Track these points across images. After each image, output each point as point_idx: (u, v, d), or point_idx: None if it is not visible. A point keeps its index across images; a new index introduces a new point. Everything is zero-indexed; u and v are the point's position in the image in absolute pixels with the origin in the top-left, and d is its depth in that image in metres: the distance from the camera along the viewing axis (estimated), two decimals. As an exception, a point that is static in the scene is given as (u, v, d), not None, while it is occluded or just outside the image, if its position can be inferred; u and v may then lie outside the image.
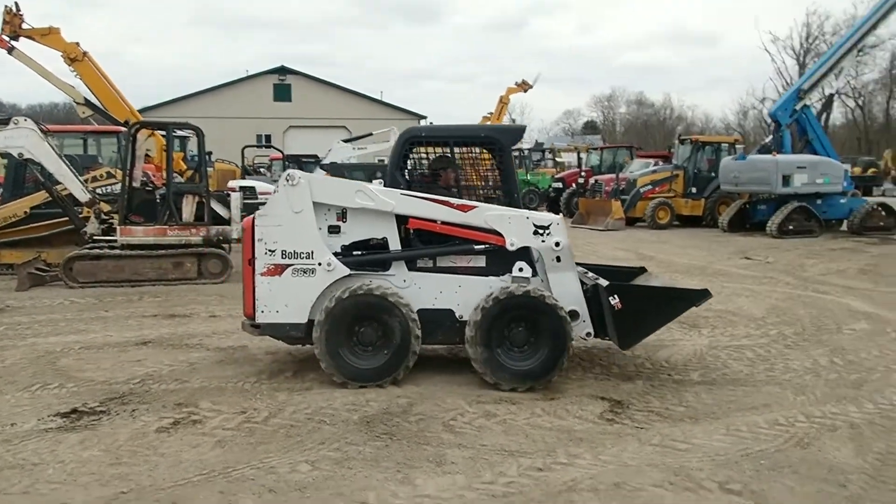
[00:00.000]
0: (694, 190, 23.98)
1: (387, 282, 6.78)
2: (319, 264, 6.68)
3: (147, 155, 16.87)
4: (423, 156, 7.47)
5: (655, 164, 27.17)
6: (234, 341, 8.41)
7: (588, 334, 6.99)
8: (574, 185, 27.54)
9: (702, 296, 7.07)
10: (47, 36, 17.32)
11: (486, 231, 6.81)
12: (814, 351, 8.21)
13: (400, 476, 4.75)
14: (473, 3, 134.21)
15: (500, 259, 6.89)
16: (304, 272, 6.69)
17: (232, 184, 20.50)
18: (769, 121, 22.85)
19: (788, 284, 12.90)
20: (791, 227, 20.59)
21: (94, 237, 12.75)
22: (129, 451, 5.15)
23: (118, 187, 12.97)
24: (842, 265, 15.36)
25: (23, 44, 17.17)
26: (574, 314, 6.85)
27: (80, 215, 13.07)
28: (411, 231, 6.97)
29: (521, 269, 6.84)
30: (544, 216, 6.93)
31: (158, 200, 12.79)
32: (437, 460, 5.01)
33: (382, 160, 26.46)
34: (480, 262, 6.95)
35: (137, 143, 12.94)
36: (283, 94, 52.55)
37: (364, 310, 6.61)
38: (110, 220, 12.84)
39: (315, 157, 23.29)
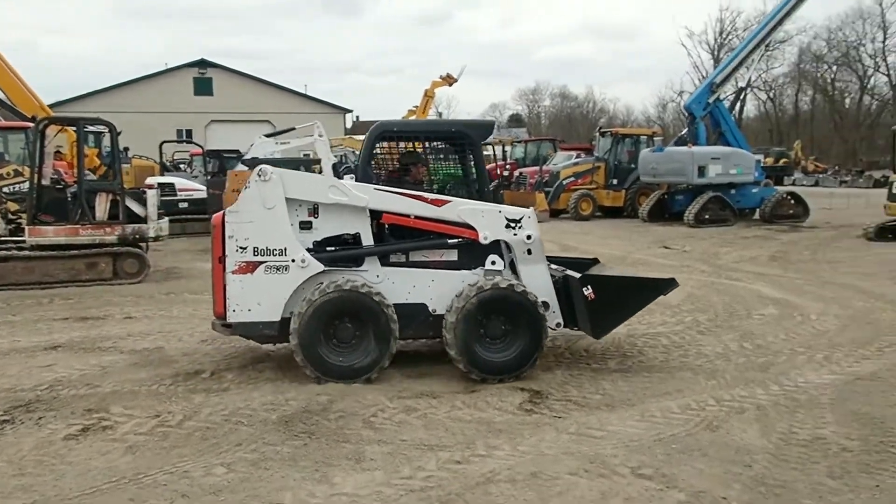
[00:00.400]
0: (615, 181, 24.54)
1: (362, 278, 6.77)
2: (293, 261, 6.60)
3: (58, 151, 16.31)
4: (393, 151, 7.54)
5: (578, 156, 27.64)
6: (150, 343, 8.19)
7: (558, 324, 7.20)
8: (498, 177, 27.74)
9: (668, 285, 7.35)
10: (-53, 27, 16.54)
11: (459, 225, 6.90)
12: (725, 336, 8.52)
13: (318, 475, 4.72)
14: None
15: (471, 253, 7.00)
16: (278, 269, 6.59)
17: (150, 180, 19.95)
18: (686, 113, 23.52)
19: (704, 272, 13.32)
20: (707, 217, 21.27)
21: (1, 238, 12.24)
22: (34, 461, 4.97)
23: (26, 185, 12.46)
24: (754, 253, 15.97)
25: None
26: (545, 305, 7.01)
27: (-14, 215, 12.54)
28: (385, 226, 6.96)
29: (493, 263, 6.99)
30: (516, 210, 7.08)
31: (70, 199, 12.32)
32: (356, 457, 5.00)
33: (307, 155, 26.21)
34: (452, 255, 7.06)
35: (46, 140, 12.46)
36: (204, 87, 51.32)
37: (347, 306, 6.58)
38: (18, 220, 12.37)
39: (237, 152, 22.82)
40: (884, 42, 62.18)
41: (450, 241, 6.96)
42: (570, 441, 5.33)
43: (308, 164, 19.25)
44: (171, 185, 20.72)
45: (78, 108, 43.69)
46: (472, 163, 7.28)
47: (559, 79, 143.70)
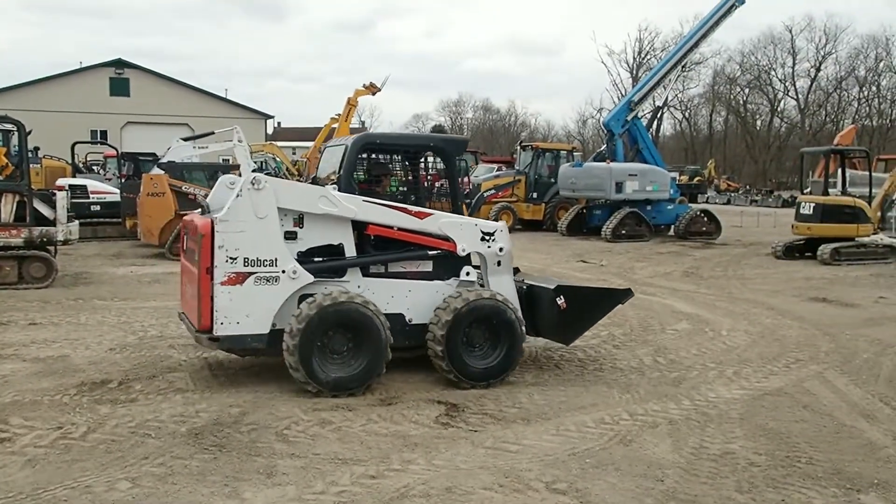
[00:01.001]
0: (535, 195, 24.92)
1: (354, 290, 6.77)
2: (283, 272, 6.45)
3: (-38, 149, 15.53)
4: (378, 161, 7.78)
5: (499, 169, 27.95)
6: (55, 351, 7.87)
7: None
8: (415, 189, 27.85)
9: (626, 294, 8.00)
10: None
11: (439, 237, 7.12)
12: (639, 350, 8.72)
13: (227, 490, 4.60)
14: (319, 2, 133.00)
15: (445, 264, 7.26)
16: (268, 280, 6.43)
17: (61, 182, 19.22)
18: (605, 130, 24.13)
19: (619, 286, 13.60)
20: (624, 232, 21.81)
21: None
22: (-77, 476, 4.69)
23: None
24: (668, 268, 16.43)
25: None
26: None
27: None
28: (370, 237, 7.00)
29: (468, 274, 7.30)
30: (490, 224, 7.49)
31: (-28, 199, 11.74)
32: (268, 472, 4.90)
33: (227, 160, 25.68)
34: (427, 266, 7.26)
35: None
36: (120, 88, 49.79)
37: (345, 318, 6.52)
38: (-85, 220, 11.68)
39: (153, 155, 22.22)
40: (793, 67, 65.50)
41: (430, 252, 7.15)
42: (485, 455, 5.35)
43: (227, 169, 18.85)
44: (84, 187, 20.07)
45: (-15, 104, 41.72)
46: (448, 176, 7.64)
47: (482, 91, 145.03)
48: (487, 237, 7.33)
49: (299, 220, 6.71)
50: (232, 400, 6.29)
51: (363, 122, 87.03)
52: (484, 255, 7.35)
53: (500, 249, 7.36)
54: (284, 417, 5.93)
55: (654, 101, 25.61)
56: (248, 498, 4.51)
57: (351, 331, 6.60)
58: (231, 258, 6.34)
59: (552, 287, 7.54)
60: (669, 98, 61.20)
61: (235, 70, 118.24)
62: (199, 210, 6.86)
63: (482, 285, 7.39)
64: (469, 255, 7.34)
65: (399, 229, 7.01)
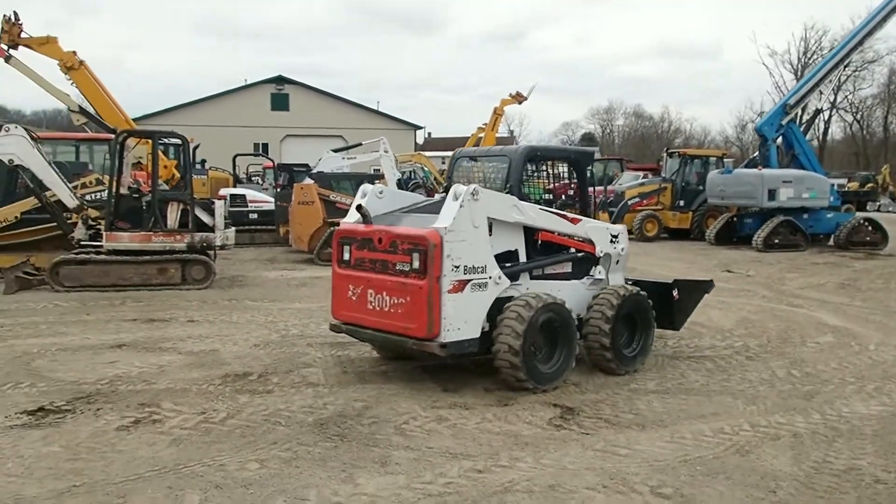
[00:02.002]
0: (682, 203, 24.20)
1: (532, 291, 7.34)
2: (490, 278, 6.91)
3: (139, 162, 17.18)
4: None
5: (644, 176, 27.40)
6: (207, 345, 8.61)
7: None
8: (563, 196, 27.76)
9: (709, 285, 9.00)
10: (45, 45, 17.58)
11: (583, 240, 7.94)
12: (774, 363, 8.40)
13: (344, 475, 4.95)
14: (470, 14, 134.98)
15: (581, 264, 8.04)
16: (480, 286, 6.81)
17: (223, 192, 20.78)
18: (758, 135, 23.08)
19: (764, 297, 13.09)
20: (777, 241, 20.76)
21: (81, 242, 12.97)
22: (88, 448, 5.36)
23: (106, 194, 13.18)
24: (822, 279, 15.55)
25: (21, 52, 17.47)
26: None
27: (69, 221, 13.31)
28: (537, 242, 7.62)
29: (599, 272, 8.09)
30: (615, 227, 8.43)
31: (144, 207, 13.00)
32: (382, 461, 5.21)
33: (377, 170, 26.73)
34: (568, 267, 8.00)
35: (126, 151, 13.18)
36: (280, 103, 52.91)
37: (554, 318, 7.12)
38: (97, 226, 13.06)
39: (306, 165, 23.54)
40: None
41: (578, 254, 7.97)
42: (593, 457, 5.41)
43: (372, 179, 19.66)
44: (243, 196, 21.52)
45: (163, 122, 45.61)
46: (581, 183, 8.54)
47: (633, 98, 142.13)
48: (614, 239, 8.20)
49: (490, 228, 7.01)
50: (357, 395, 6.69)
51: (511, 132, 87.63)
52: (610, 255, 8.13)
53: (622, 250, 8.28)
54: (404, 413, 6.25)
55: (820, 102, 24.04)
56: (362, 483, 4.83)
57: (553, 329, 7.12)
58: (455, 267, 6.57)
59: (669, 282, 8.81)
60: (837, 100, 57.60)
61: (387, 83, 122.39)
62: (360, 219, 7.14)
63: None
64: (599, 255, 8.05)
65: (559, 234, 7.72)
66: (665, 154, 26.53)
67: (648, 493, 4.81)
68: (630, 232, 23.53)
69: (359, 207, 7.19)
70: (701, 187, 23.78)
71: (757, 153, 22.87)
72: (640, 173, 29.05)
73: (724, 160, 25.62)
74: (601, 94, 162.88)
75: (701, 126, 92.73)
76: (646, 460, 5.38)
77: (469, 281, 6.66)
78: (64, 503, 4.49)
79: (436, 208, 7.02)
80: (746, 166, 23.15)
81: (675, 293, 8.60)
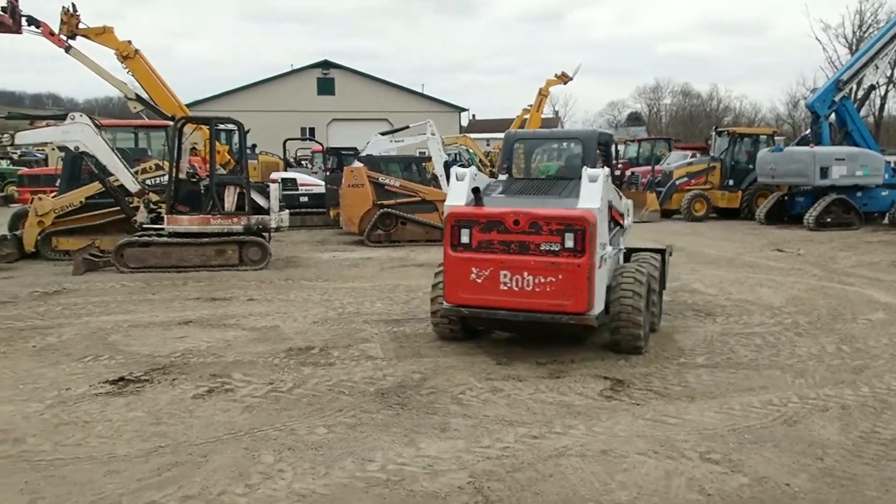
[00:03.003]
0: (731, 182, 23.98)
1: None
2: (608, 253, 7.75)
3: (194, 148, 17.70)
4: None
5: (693, 156, 27.18)
6: (268, 322, 9.01)
7: None
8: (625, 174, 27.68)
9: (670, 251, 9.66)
10: (102, 35, 18.23)
11: (620, 214, 8.69)
12: (823, 339, 8.47)
13: (406, 440, 5.25)
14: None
15: (617, 236, 8.60)
16: (605, 261, 7.59)
17: (274, 175, 21.25)
18: (809, 112, 22.71)
19: (815, 276, 13.04)
20: (829, 220, 20.52)
21: (144, 225, 13.50)
22: (169, 414, 5.77)
23: (166, 178, 13.69)
24: (875, 258, 15.38)
25: (78, 42, 18.11)
26: None
27: (131, 205, 13.85)
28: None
29: (622, 243, 8.97)
30: (628, 202, 9.37)
31: (202, 191, 13.47)
32: (442, 427, 5.51)
33: (423, 152, 27.04)
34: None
35: (183, 137, 13.65)
36: (326, 87, 53.43)
37: (651, 283, 8.08)
38: (158, 210, 13.58)
39: (354, 149, 23.90)
40: None
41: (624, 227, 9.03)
42: (644, 426, 5.63)
43: (420, 161, 19.94)
44: (293, 180, 21.98)
45: (212, 108, 46.52)
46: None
47: (681, 76, 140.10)
48: (627, 212, 9.14)
49: None
50: (415, 367, 6.99)
51: (556, 112, 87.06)
52: (624, 227, 8.96)
53: (629, 223, 9.33)
54: (460, 384, 6.53)
55: (876, 77, 23.48)
56: (423, 447, 5.13)
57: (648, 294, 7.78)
58: (602, 244, 7.19)
59: (664, 247, 9.65)
60: (891, 75, 55.84)
61: (431, 66, 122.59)
62: (472, 201, 7.34)
63: None
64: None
65: (616, 211, 8.34)
66: (714, 133, 26.28)
67: (698, 459, 5.02)
68: (678, 212, 23.72)
69: (475, 190, 7.31)
70: (751, 166, 23.53)
71: (809, 131, 22.54)
72: (688, 153, 28.79)
73: (775, 138, 25.27)
74: (647, 72, 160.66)
75: (751, 104, 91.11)
76: (695, 429, 5.57)
77: (602, 257, 7.24)
78: (153, 461, 4.88)
79: (535, 189, 7.74)
80: (798, 144, 22.85)
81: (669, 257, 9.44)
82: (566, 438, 5.33)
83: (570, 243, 6.84)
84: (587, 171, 7.19)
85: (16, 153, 42.60)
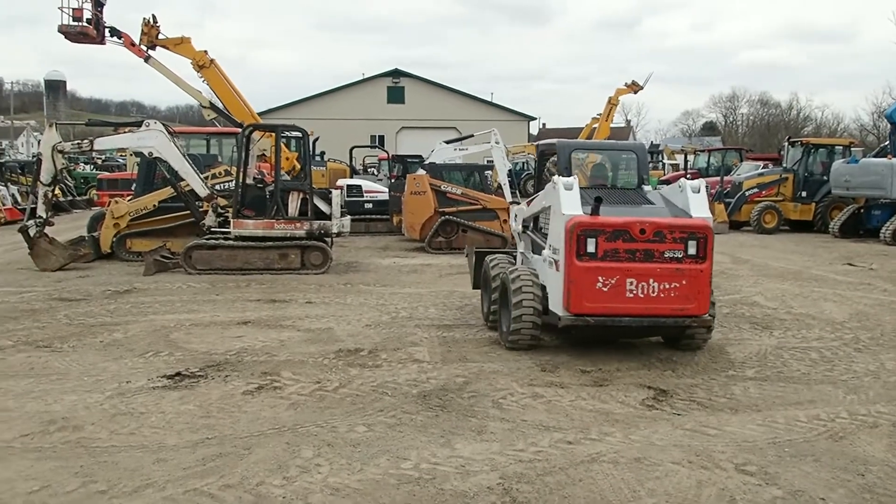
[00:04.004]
0: (804, 194, 23.32)
1: None
2: None
3: (263, 154, 18.26)
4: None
5: (764, 166, 26.55)
6: (323, 324, 9.27)
7: None
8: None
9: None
10: (179, 45, 18.95)
11: None
12: (884, 355, 8.23)
13: (442, 441, 5.38)
14: (582, 3, 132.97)
15: None
16: None
17: (340, 182, 21.71)
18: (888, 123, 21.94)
19: (885, 291, 12.62)
20: (907, 234, 19.76)
21: (212, 229, 14.00)
22: (218, 408, 6.04)
23: (234, 184, 14.16)
24: (953, 274, 14.79)
25: (157, 52, 18.88)
26: None
27: (201, 209, 14.39)
28: None
29: None
30: None
31: (268, 196, 13.89)
32: (479, 430, 5.61)
33: (490, 160, 27.20)
34: None
35: (251, 144, 14.11)
36: (396, 96, 54.13)
37: None
38: (226, 214, 14.06)
39: (419, 157, 24.18)
40: None
41: None
42: (682, 435, 5.61)
43: (482, 169, 20.06)
44: (359, 186, 22.39)
45: (285, 115, 47.66)
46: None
47: (759, 85, 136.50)
48: None
49: None
50: (459, 371, 7.12)
51: (628, 121, 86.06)
52: None
53: None
54: (501, 389, 6.62)
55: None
56: (459, 448, 5.25)
57: None
58: None
59: None
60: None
61: (501, 74, 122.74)
62: (590, 211, 7.38)
63: None
64: None
65: None
66: (786, 143, 25.61)
67: (732, 470, 4.99)
68: (748, 223, 23.21)
69: (598, 199, 7.46)
70: (825, 177, 22.86)
71: (888, 142, 21.78)
72: (760, 163, 28.14)
73: (851, 149, 24.47)
74: (724, 81, 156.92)
75: (832, 113, 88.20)
76: (734, 440, 5.53)
77: None
78: (199, 451, 5.13)
79: (615, 198, 7.99)
80: (876, 155, 22.10)
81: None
82: (601, 445, 5.36)
83: (692, 250, 7.31)
84: (688, 183, 7.71)
85: (100, 158, 44.57)
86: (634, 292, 7.24)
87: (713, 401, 6.49)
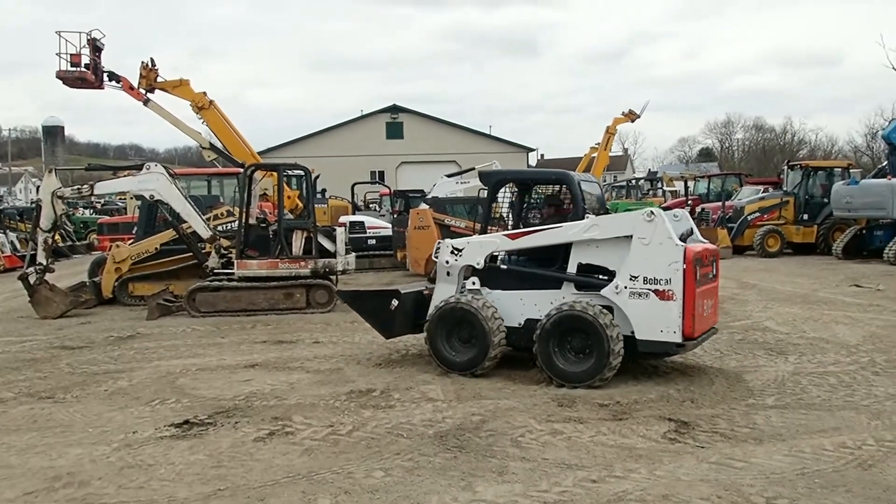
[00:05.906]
0: (805, 216, 23.32)
1: None
2: None
3: (265, 193, 18.20)
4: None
5: (765, 190, 26.56)
6: (332, 364, 9.12)
7: None
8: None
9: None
10: (178, 87, 18.95)
11: None
12: (904, 378, 8.09)
13: (463, 483, 5.21)
14: (569, 37, 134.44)
15: None
16: None
17: (343, 219, 21.66)
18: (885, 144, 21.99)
19: (895, 312, 12.50)
20: (911, 254, 19.67)
21: (215, 270, 13.89)
22: (229, 456, 5.86)
23: (237, 224, 14.09)
24: (961, 292, 14.67)
25: (156, 95, 18.91)
26: None
27: (203, 251, 14.29)
28: None
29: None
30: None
31: (271, 236, 13.81)
32: (500, 471, 5.44)
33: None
34: None
35: (253, 183, 14.07)
36: (395, 131, 54.25)
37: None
38: (229, 255, 13.97)
39: (421, 191, 24.20)
40: None
41: None
42: (708, 469, 5.45)
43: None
44: (362, 223, 22.37)
45: (284, 154, 47.74)
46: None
47: (752, 110, 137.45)
48: None
49: None
50: (474, 409, 6.96)
51: (626, 149, 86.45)
52: None
53: None
54: (520, 426, 6.46)
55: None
56: (480, 491, 5.08)
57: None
58: None
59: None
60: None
61: (498, 107, 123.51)
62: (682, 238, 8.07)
63: None
64: None
65: None
66: (786, 167, 25.66)
67: (763, 504, 4.83)
68: (751, 247, 23.14)
69: (691, 230, 8.53)
70: (826, 199, 22.86)
71: (886, 162, 21.80)
72: (760, 187, 28.17)
73: (850, 171, 24.50)
74: (717, 107, 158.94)
75: (826, 136, 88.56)
76: (762, 473, 5.37)
77: None
78: (212, 504, 4.97)
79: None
80: (874, 176, 22.12)
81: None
82: (626, 482, 5.20)
83: (715, 271, 8.47)
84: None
85: (99, 202, 44.61)
86: (705, 311, 8.07)
87: (736, 431, 6.33)
